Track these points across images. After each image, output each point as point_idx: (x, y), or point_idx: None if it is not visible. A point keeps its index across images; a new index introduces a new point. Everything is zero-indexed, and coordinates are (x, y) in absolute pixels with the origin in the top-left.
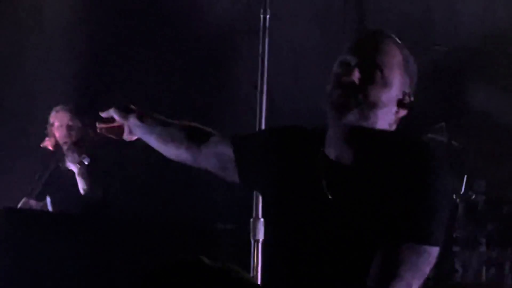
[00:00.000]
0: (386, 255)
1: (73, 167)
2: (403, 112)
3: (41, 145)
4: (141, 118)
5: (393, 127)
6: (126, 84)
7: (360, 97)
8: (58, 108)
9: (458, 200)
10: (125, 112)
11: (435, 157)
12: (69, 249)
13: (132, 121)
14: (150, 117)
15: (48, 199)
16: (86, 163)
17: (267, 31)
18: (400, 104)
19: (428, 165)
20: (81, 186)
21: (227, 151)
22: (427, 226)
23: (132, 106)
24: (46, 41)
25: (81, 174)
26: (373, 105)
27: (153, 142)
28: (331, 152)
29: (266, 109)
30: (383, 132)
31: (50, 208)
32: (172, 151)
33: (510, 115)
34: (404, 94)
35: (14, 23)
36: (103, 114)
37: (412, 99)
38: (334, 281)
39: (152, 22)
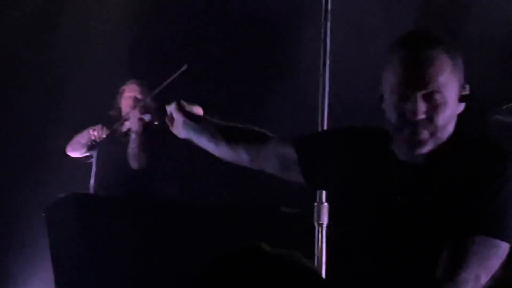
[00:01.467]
0: (456, 246)
1: (133, 124)
2: (461, 107)
3: (110, 113)
4: (190, 117)
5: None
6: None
7: (433, 130)
8: (132, 80)
9: None
10: (178, 107)
11: (507, 156)
12: (131, 233)
13: (181, 118)
14: (201, 118)
15: (94, 158)
16: (146, 119)
17: (329, 14)
18: (459, 102)
19: (501, 164)
20: (132, 145)
21: (289, 151)
22: (499, 221)
23: (183, 103)
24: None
25: (137, 133)
26: (443, 127)
27: (204, 142)
28: (400, 152)
29: (328, 104)
30: (451, 133)
31: (93, 165)
32: (225, 152)
33: None
34: (460, 92)
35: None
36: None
37: (468, 91)
38: (401, 278)
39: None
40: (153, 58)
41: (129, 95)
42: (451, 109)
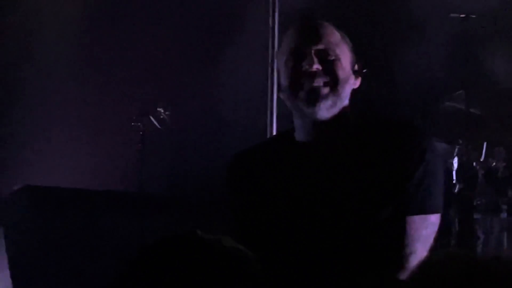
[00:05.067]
0: (397, 231)
1: None
2: (357, 83)
3: None
4: None
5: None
6: None
7: (331, 83)
8: None
9: (478, 167)
10: None
11: (421, 133)
12: (86, 225)
13: None
14: None
15: None
16: None
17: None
18: (355, 75)
19: (417, 140)
20: None
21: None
22: (427, 196)
23: None
24: None
25: None
26: (341, 82)
27: None
28: (301, 134)
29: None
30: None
31: None
32: None
33: None
34: (353, 65)
35: None
36: None
37: (362, 69)
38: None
39: None
40: None
41: None
42: (346, 72)
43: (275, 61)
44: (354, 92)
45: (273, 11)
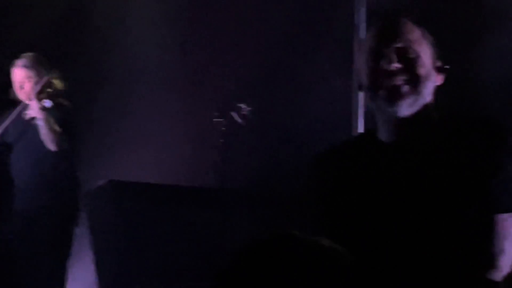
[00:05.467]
0: (485, 231)
1: (36, 113)
2: (440, 80)
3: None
4: None
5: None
6: None
7: (412, 80)
8: (18, 63)
9: None
10: None
11: (506, 129)
12: (170, 221)
13: None
14: None
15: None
16: (47, 105)
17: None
18: (437, 71)
19: (502, 137)
20: (43, 131)
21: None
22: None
23: None
24: None
25: (42, 120)
26: (422, 79)
27: None
28: (384, 133)
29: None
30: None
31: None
32: None
33: None
34: (434, 61)
35: None
36: None
37: (444, 66)
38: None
39: None
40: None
41: (17, 82)
42: (426, 69)
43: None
44: (437, 88)
45: (358, 9)
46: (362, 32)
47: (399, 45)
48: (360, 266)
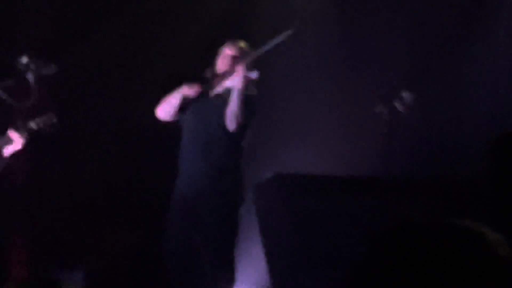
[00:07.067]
0: None
1: (237, 81)
2: None
3: (205, 74)
4: None
5: None
6: None
7: None
8: (231, 42)
9: None
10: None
11: None
12: (337, 214)
13: None
14: None
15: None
16: (253, 76)
17: None
18: None
19: None
20: (232, 105)
21: None
22: None
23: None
24: None
25: (240, 90)
26: None
27: None
28: None
29: None
30: None
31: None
32: None
33: None
34: None
35: None
36: None
37: None
38: None
39: None
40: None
41: (229, 54)
42: None
43: None
44: None
45: None
46: None
47: None
48: None
